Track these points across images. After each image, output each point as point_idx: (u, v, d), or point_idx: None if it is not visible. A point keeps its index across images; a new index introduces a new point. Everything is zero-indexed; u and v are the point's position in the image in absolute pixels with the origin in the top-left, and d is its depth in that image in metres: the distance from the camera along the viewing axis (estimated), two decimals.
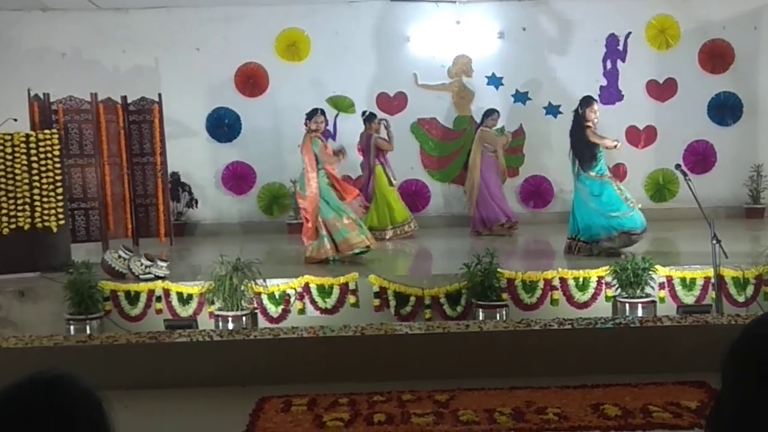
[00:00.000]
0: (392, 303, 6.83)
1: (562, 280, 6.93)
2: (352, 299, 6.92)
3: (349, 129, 10.81)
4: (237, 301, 6.57)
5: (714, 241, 6.30)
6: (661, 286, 6.87)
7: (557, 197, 11.24)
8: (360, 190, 10.18)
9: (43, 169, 7.90)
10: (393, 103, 11.37)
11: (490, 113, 10.25)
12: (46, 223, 7.88)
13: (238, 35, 11.18)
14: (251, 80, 11.39)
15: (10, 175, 7.80)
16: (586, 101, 8.03)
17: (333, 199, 8.09)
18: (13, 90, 9.83)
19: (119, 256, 7.43)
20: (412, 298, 6.83)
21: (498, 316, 6.50)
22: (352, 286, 6.94)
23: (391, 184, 10.22)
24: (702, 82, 11.37)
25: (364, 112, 10.42)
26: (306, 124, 8.18)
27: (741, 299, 6.78)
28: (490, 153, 10.12)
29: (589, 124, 7.87)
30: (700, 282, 6.86)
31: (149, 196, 10.01)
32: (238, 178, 11.48)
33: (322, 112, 8.32)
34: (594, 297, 6.90)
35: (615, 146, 8.01)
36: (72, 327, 6.69)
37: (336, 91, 11.33)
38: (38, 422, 1.20)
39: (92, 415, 1.26)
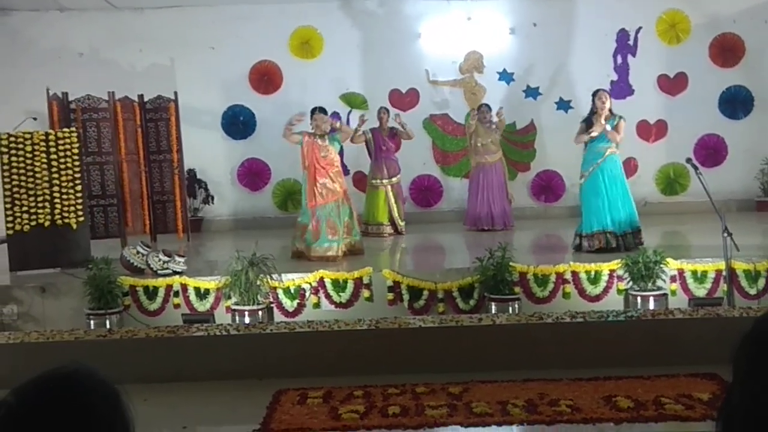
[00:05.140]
0: (406, 297, 6.91)
1: (574, 274, 6.98)
2: (366, 293, 7.00)
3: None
4: (253, 296, 6.67)
5: (725, 234, 6.35)
6: (673, 279, 6.91)
7: (568, 191, 11.27)
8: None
9: (62, 167, 8.03)
10: (405, 99, 11.44)
11: (479, 108, 10.31)
12: (66, 220, 8.01)
13: (252, 33, 11.26)
14: (265, 78, 11.48)
15: (30, 173, 7.93)
16: (594, 92, 8.14)
17: (305, 201, 8.23)
18: (32, 89, 9.95)
19: (137, 252, 7.54)
20: (426, 292, 6.90)
21: (510, 309, 6.57)
22: (366, 280, 7.01)
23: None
24: (713, 75, 11.36)
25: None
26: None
27: (752, 292, 6.81)
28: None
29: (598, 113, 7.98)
30: (711, 275, 6.89)
31: (166, 192, 10.13)
32: (253, 174, 11.59)
33: (316, 110, 8.31)
34: (606, 290, 6.94)
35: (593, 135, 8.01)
36: (92, 322, 6.82)
37: (349, 87, 11.42)
38: (57, 416, 1.22)
39: (110, 408, 1.28)
